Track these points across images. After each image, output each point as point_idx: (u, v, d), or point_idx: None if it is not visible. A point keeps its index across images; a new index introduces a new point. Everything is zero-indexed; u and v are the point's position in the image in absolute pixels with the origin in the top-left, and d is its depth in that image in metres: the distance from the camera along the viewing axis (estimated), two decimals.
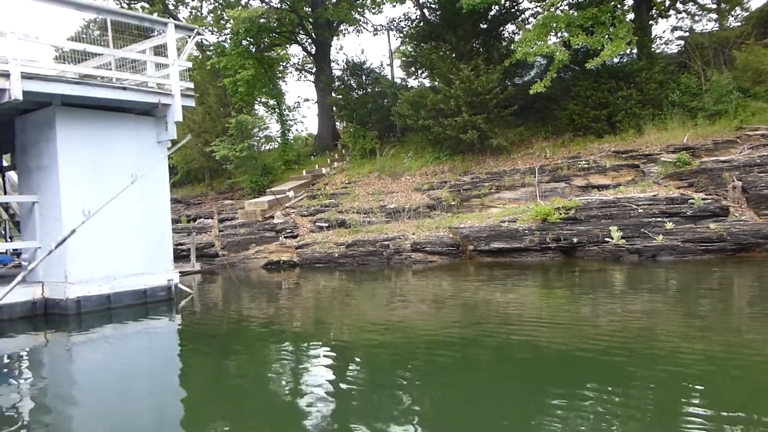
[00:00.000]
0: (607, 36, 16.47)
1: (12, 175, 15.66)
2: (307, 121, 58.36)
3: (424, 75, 22.25)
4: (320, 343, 7.89)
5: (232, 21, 21.45)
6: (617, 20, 16.91)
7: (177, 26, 10.99)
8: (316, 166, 22.70)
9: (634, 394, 5.07)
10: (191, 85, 11.32)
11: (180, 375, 6.88)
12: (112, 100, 10.32)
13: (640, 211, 13.72)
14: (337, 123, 26.27)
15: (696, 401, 4.86)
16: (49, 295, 10.23)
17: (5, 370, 7.43)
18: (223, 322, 9.93)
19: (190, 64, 11.68)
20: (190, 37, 11.40)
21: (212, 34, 23.79)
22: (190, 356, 7.88)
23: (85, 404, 5.94)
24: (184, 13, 26.64)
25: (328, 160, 23.08)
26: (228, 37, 23.56)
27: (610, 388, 5.20)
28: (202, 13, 25.87)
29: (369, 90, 23.30)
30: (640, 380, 5.39)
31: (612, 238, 13.25)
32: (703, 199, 13.48)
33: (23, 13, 9.98)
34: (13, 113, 10.50)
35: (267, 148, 25.10)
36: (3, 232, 15.48)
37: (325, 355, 7.23)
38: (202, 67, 22.27)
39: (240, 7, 21.68)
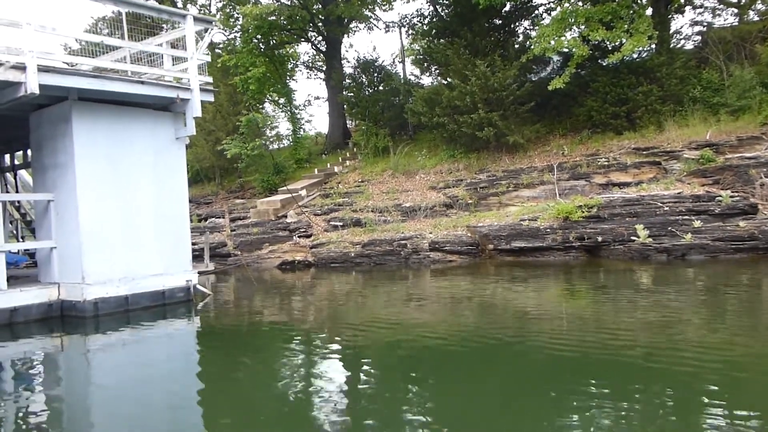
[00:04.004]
0: (626, 30, 16.13)
1: (23, 174, 15.39)
2: (316, 120, 58.12)
3: (437, 72, 21.93)
4: (339, 345, 7.65)
5: (242, 18, 21.16)
6: (637, 15, 16.57)
7: (195, 18, 10.65)
8: (328, 164, 22.39)
9: (653, 398, 4.96)
10: (210, 79, 11.01)
11: (199, 379, 6.65)
12: (130, 95, 10.00)
13: (666, 209, 13.37)
14: (348, 121, 25.96)
15: (716, 407, 4.68)
16: (65, 297, 9.92)
17: (21, 374, 7.20)
18: (242, 324, 9.64)
19: (208, 58, 11.36)
20: (207, 30, 11.08)
21: (221, 31, 23.50)
22: (209, 360, 7.61)
23: (101, 409, 5.76)
24: (192, 11, 26.32)
25: (340, 158, 22.77)
26: (238, 35, 23.27)
27: (628, 392, 5.10)
28: (210, 11, 25.57)
29: (381, 87, 22.98)
30: (660, 385, 5.25)
31: (638, 237, 12.90)
32: (731, 197, 13.13)
33: (36, 6, 9.65)
34: (28, 108, 10.19)
35: (277, 146, 24.79)
36: (15, 232, 15.19)
37: (344, 359, 7.02)
38: (212, 65, 21.95)
39: (251, 4, 21.36)
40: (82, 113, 9.80)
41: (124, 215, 10.28)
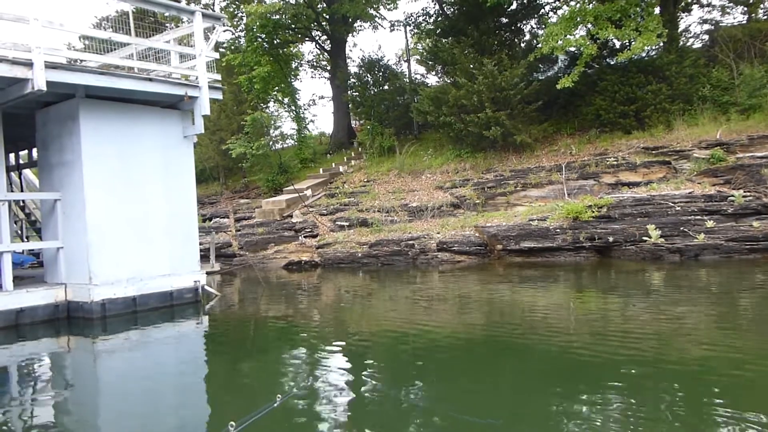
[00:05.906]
0: (635, 29, 15.99)
1: (28, 173, 15.24)
2: (320, 119, 57.97)
3: (442, 71, 21.80)
4: (347, 346, 7.52)
5: (246, 17, 21.02)
6: (646, 13, 16.44)
7: (204, 15, 10.50)
8: (333, 164, 22.24)
9: (663, 399, 4.87)
10: (218, 76, 10.86)
11: (207, 381, 6.51)
12: (138, 92, 9.84)
13: (678, 209, 13.21)
14: (353, 121, 25.81)
15: (726, 410, 4.55)
16: (72, 298, 9.76)
17: (27, 377, 7.07)
18: (250, 325, 9.49)
19: (217, 55, 11.20)
20: (214, 27, 10.93)
21: (229, 29, 23.35)
22: (217, 362, 7.48)
23: (108, 413, 5.65)
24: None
25: (345, 158, 22.62)
26: (242, 34, 23.14)
27: (638, 392, 5.02)
28: (214, 10, 25.43)
29: (386, 87, 22.85)
30: (670, 386, 5.18)
31: (650, 237, 12.74)
32: (743, 197, 12.97)
33: (43, 3, 9.50)
34: (34, 106, 10.04)
35: (281, 146, 24.64)
36: (19, 232, 15.04)
37: (351, 360, 6.91)
38: (216, 63, 21.83)
39: (255, 3, 21.22)
40: (90, 111, 9.64)
41: (131, 215, 10.12)
